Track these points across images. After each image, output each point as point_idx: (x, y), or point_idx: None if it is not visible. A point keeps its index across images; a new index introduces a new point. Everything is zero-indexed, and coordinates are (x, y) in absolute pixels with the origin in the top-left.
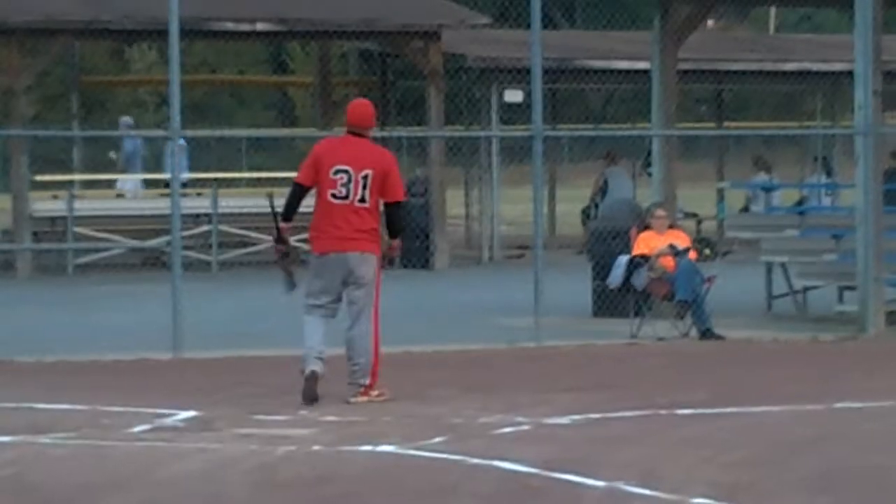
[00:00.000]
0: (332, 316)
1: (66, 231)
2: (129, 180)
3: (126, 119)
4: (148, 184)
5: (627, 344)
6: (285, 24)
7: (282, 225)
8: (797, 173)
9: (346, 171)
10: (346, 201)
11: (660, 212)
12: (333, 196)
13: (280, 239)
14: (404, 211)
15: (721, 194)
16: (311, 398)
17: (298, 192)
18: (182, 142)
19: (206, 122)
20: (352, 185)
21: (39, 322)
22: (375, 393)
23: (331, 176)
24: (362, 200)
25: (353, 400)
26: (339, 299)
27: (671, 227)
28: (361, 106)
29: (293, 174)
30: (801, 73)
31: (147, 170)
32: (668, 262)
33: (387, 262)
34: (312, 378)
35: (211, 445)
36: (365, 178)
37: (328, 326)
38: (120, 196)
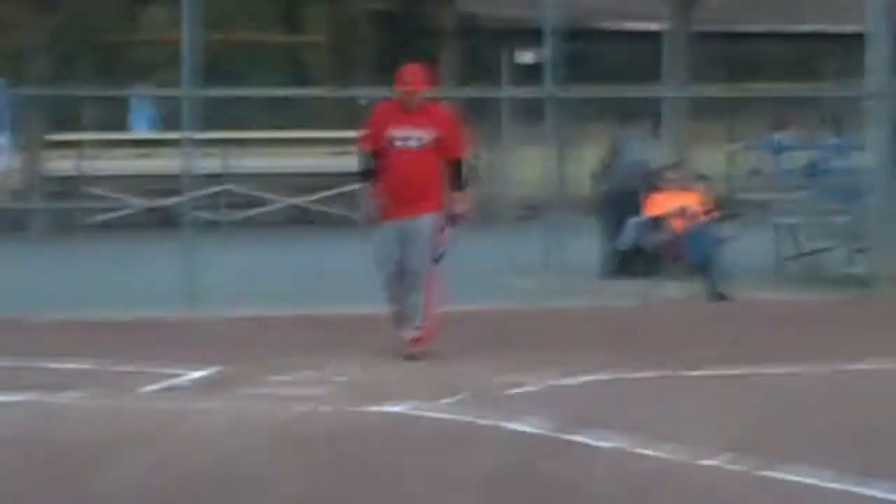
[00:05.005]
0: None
1: (77, 190)
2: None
3: None
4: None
5: (638, 305)
6: None
7: None
8: (808, 135)
9: None
10: None
11: (672, 174)
12: None
13: None
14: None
15: (732, 156)
16: None
17: None
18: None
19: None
20: None
21: (51, 281)
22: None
23: None
24: None
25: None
26: None
27: (685, 188)
28: None
29: (306, 134)
30: (814, 35)
31: (159, 130)
32: (679, 223)
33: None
34: None
35: (223, 405)
36: None
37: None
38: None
